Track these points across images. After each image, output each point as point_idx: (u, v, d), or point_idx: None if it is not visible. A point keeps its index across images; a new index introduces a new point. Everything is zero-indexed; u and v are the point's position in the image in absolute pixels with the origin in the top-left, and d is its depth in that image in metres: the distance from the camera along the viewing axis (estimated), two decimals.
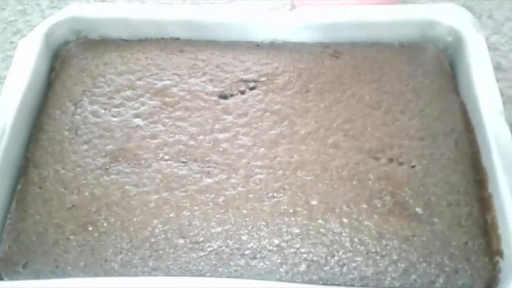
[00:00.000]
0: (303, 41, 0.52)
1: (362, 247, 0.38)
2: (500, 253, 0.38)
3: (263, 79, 0.49)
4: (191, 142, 0.44)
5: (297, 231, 0.39)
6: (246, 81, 0.49)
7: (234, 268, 0.38)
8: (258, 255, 0.38)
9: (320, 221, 0.40)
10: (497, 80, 0.54)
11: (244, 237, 0.39)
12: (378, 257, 0.38)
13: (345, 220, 0.40)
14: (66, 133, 0.45)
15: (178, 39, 0.53)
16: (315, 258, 0.38)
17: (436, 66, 0.50)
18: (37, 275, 0.38)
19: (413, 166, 0.43)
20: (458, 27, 0.50)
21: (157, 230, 0.39)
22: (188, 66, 0.49)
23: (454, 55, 0.50)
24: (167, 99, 0.47)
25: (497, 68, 0.57)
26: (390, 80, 0.49)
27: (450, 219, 0.39)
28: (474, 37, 0.49)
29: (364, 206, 0.40)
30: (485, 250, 0.39)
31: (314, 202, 0.41)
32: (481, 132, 0.43)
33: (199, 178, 0.42)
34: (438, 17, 0.51)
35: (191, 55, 0.51)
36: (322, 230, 0.39)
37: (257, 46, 0.52)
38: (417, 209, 0.40)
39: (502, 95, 0.55)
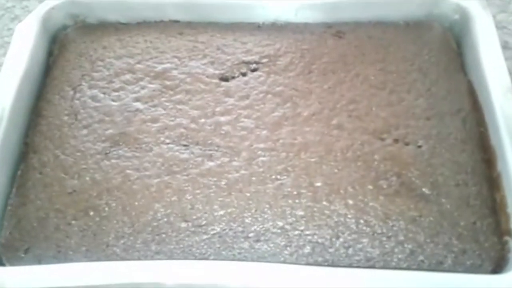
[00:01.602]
0: (305, 22, 0.51)
1: (368, 229, 0.38)
2: (509, 232, 0.37)
3: (264, 60, 0.48)
4: (193, 125, 0.43)
5: (301, 213, 0.39)
6: (248, 62, 0.48)
7: (238, 251, 0.37)
8: (262, 238, 0.38)
9: (324, 203, 0.39)
10: (505, 59, 0.53)
11: (247, 220, 0.38)
12: (384, 238, 0.37)
13: (350, 202, 0.39)
14: (66, 118, 0.44)
15: (177, 21, 0.52)
16: (320, 240, 0.38)
17: (442, 45, 0.49)
18: (39, 261, 0.38)
19: (420, 146, 0.42)
20: (464, 4, 0.49)
21: (159, 214, 0.39)
22: (188, 48, 0.48)
23: (461, 33, 0.49)
24: (167, 82, 0.46)
25: (505, 46, 0.55)
26: (395, 59, 0.48)
27: (458, 199, 0.39)
28: (481, 14, 0.48)
29: (370, 187, 0.40)
30: (494, 229, 0.38)
31: (318, 184, 0.40)
32: (489, 111, 0.42)
33: (201, 162, 0.41)
34: None
35: (191, 37, 0.50)
36: (326, 212, 0.39)
37: (258, 28, 0.51)
38: (424, 189, 0.39)
39: (510, 73, 0.54)
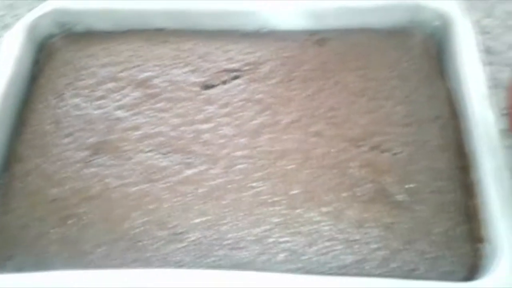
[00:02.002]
0: (288, 29, 0.52)
1: (342, 236, 0.38)
2: (482, 240, 0.38)
3: (246, 68, 0.48)
4: (173, 134, 0.44)
5: (276, 220, 0.39)
6: (229, 70, 0.48)
7: (213, 259, 0.38)
8: (237, 246, 0.38)
9: (300, 210, 0.39)
10: (489, 64, 0.53)
11: (223, 228, 0.39)
12: (357, 246, 0.38)
13: (325, 209, 0.39)
14: (48, 126, 0.45)
15: (162, 29, 0.52)
16: (293, 248, 0.38)
17: (423, 52, 0.49)
18: (20, 269, 0.39)
19: (396, 153, 0.42)
20: (445, 11, 0.49)
21: (136, 222, 0.39)
22: (170, 56, 0.49)
23: (442, 40, 0.49)
24: (149, 91, 0.47)
25: (488, 51, 0.55)
26: (375, 66, 0.48)
27: (432, 206, 0.39)
28: (461, 21, 0.48)
29: (344, 194, 0.40)
30: (467, 237, 0.38)
31: (294, 192, 0.40)
32: (465, 118, 0.43)
33: (180, 170, 0.42)
34: (425, 2, 0.50)
35: (174, 45, 0.50)
36: (301, 220, 0.39)
37: (242, 35, 0.51)
38: (398, 196, 0.40)
39: (494, 78, 0.55)
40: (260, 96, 0.46)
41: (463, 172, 0.41)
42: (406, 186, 0.40)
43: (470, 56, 0.46)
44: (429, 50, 0.49)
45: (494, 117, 0.42)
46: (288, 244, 0.38)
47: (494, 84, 0.54)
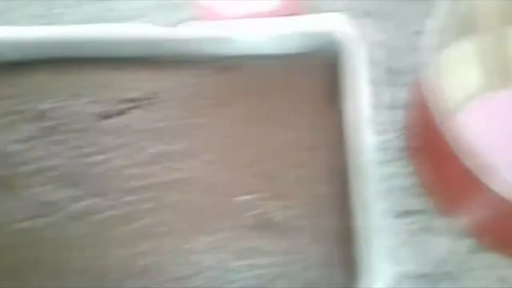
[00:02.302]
0: (192, 56, 0.53)
1: (221, 265, 0.39)
2: (357, 263, 0.39)
3: (145, 97, 0.49)
4: (65, 167, 0.44)
5: (164, 251, 0.40)
6: (128, 100, 0.49)
7: None
8: (121, 285, 0.39)
9: (184, 241, 0.41)
10: (391, 85, 0.55)
11: (108, 262, 0.40)
12: (233, 275, 0.39)
13: (209, 239, 0.41)
14: None
15: (66, 58, 0.53)
16: (179, 278, 0.39)
17: (319, 78, 0.50)
18: None
19: (281, 180, 0.44)
20: (341, 37, 0.51)
21: (21, 258, 0.40)
22: (71, 87, 0.50)
23: (338, 65, 0.51)
24: (47, 123, 0.47)
25: (391, 71, 0.57)
26: (272, 94, 0.49)
27: (309, 232, 0.41)
28: (356, 46, 0.50)
29: (228, 223, 0.41)
30: (342, 261, 0.40)
31: (182, 223, 0.41)
32: (349, 143, 0.44)
33: (71, 203, 0.43)
34: (324, 28, 0.51)
35: (76, 76, 0.51)
36: (186, 251, 0.40)
37: (144, 63, 0.52)
38: (277, 222, 0.41)
39: (395, 99, 0.57)
40: (156, 125, 0.47)
41: (340, 197, 0.42)
42: (286, 213, 0.42)
43: (359, 82, 0.47)
44: (324, 76, 0.50)
45: (374, 143, 0.43)
46: (176, 274, 0.39)
47: (395, 105, 0.56)
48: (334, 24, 0.51)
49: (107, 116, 0.48)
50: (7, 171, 0.44)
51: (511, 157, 0.42)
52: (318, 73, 0.51)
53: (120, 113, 0.48)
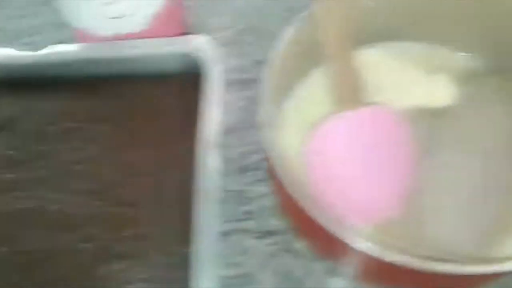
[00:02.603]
0: (54, 78, 0.51)
1: None
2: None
3: (4, 124, 0.49)
4: None
5: None
6: None
7: None
8: None
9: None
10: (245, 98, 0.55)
11: None
12: None
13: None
14: None
15: None
16: None
17: (181, 101, 0.50)
18: None
19: (132, 207, 0.44)
20: (204, 59, 0.50)
21: None
22: None
23: (199, 89, 0.51)
24: None
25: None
26: (133, 116, 0.49)
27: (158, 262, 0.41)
28: (215, 69, 0.50)
29: (71, 251, 0.41)
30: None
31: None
32: (196, 168, 0.45)
33: None
34: (189, 50, 0.51)
35: None
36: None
37: (9, 86, 0.52)
38: (117, 253, 0.41)
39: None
40: (13, 152, 0.47)
41: (182, 220, 0.42)
42: (131, 244, 0.42)
43: (213, 105, 0.47)
44: (185, 99, 0.50)
45: (218, 166, 0.44)
46: None
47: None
48: (198, 46, 0.51)
49: None
50: None
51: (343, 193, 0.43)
52: (181, 94, 0.51)
53: None
